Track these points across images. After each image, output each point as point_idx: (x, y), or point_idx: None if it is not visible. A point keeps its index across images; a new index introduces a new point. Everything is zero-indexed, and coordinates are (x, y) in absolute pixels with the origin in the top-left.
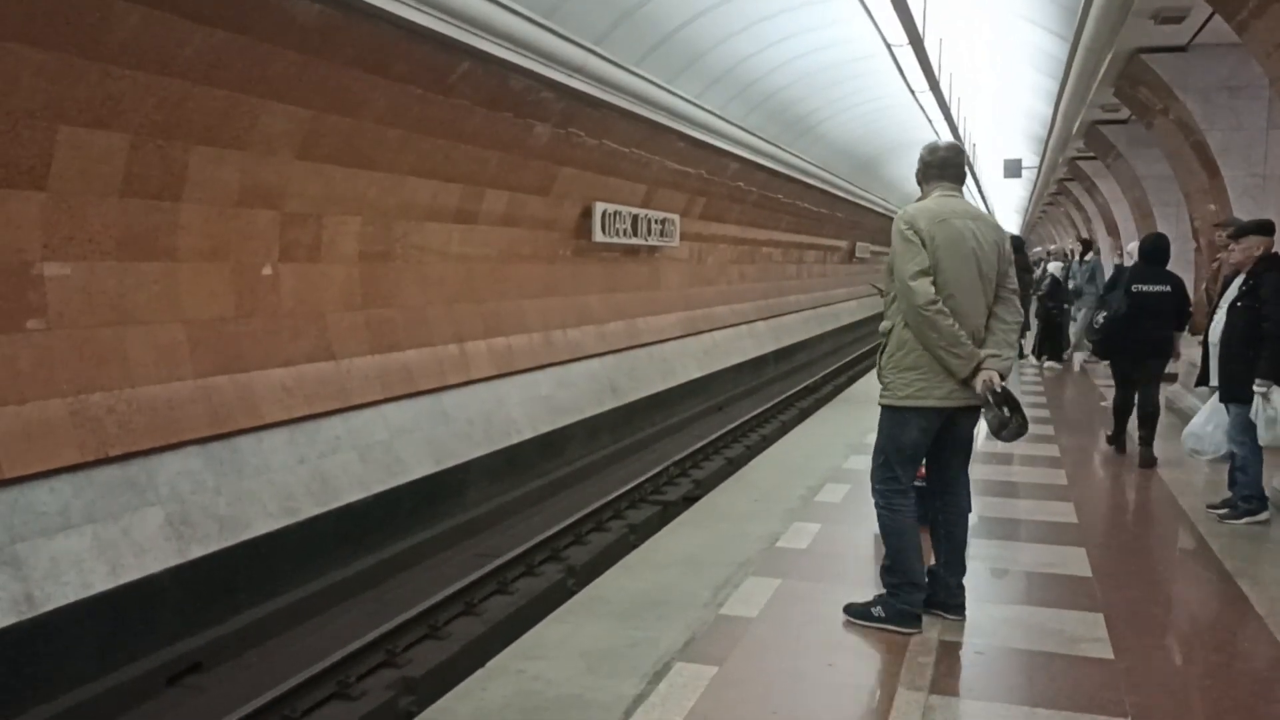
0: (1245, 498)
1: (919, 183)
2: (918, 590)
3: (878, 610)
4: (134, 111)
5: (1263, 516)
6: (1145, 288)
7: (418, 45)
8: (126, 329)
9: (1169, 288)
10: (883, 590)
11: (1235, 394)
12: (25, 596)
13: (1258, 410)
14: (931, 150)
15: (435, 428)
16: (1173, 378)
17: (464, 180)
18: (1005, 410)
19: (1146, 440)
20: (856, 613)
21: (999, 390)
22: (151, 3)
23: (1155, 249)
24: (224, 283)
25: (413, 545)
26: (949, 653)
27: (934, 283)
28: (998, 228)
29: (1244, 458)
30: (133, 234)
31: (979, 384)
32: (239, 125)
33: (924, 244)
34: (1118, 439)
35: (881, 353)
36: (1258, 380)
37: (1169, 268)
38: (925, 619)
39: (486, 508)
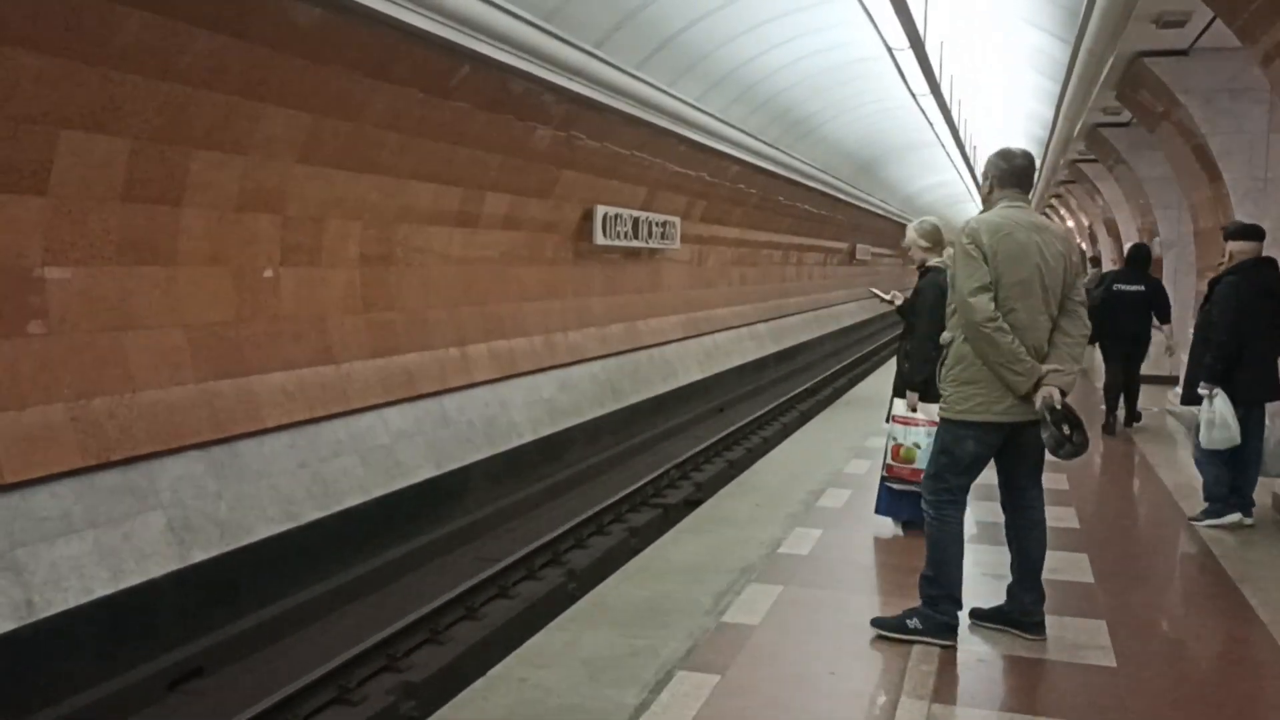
0: (1208, 499)
1: (989, 189)
2: (955, 604)
3: (914, 622)
4: (135, 116)
5: (1228, 519)
6: (1124, 287)
7: (418, 49)
8: (127, 333)
9: (1144, 288)
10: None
11: (1191, 397)
12: (26, 602)
13: (1202, 413)
14: (1008, 157)
15: (436, 431)
16: (1175, 380)
17: (465, 183)
18: (1065, 428)
19: (1129, 409)
20: (889, 626)
21: (1058, 408)
22: (152, 8)
23: (1136, 256)
24: (225, 287)
25: (413, 549)
26: (951, 661)
27: (994, 298)
28: (1065, 239)
29: (1199, 461)
30: (134, 238)
31: (1038, 400)
32: (240, 129)
33: (986, 259)
34: (1109, 423)
35: (941, 365)
36: (1201, 384)
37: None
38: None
39: (487, 511)
